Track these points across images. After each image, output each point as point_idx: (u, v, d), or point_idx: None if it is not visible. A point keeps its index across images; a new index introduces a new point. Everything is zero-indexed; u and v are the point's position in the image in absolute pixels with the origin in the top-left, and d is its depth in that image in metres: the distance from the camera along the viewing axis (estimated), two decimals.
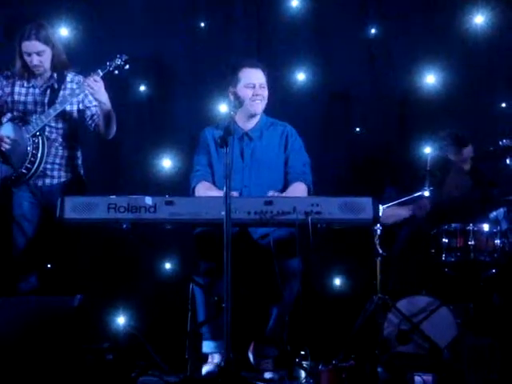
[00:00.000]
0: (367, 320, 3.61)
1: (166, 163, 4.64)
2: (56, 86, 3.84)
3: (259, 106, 3.72)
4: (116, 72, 3.77)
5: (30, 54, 3.75)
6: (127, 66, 3.79)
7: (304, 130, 3.98)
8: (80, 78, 3.88)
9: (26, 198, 3.80)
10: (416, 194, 3.96)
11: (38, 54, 3.74)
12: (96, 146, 4.35)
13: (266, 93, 3.75)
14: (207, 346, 3.50)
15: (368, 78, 4.69)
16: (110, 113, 3.79)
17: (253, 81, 3.71)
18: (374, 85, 4.67)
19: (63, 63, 3.86)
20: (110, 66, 3.75)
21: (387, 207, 3.89)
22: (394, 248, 4.10)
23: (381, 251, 3.71)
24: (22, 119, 3.76)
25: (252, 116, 3.77)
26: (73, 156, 3.91)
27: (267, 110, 3.85)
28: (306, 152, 3.83)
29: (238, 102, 3.62)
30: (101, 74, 3.72)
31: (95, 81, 3.67)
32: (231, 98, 3.72)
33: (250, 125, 3.80)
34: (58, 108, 3.75)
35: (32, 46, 3.72)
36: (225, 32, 4.72)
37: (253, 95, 3.69)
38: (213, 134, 3.80)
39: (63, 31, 4.48)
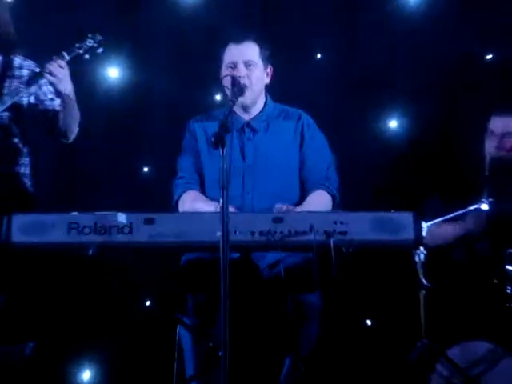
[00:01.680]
0: (409, 373, 3.62)
1: (144, 170, 4.66)
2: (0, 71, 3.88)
3: (243, 88, 3.65)
4: (86, 56, 3.80)
5: None
6: (101, 49, 3.83)
7: (322, 124, 4.00)
8: (30, 63, 3.91)
9: None
10: (471, 208, 3.95)
11: None
12: (52, 151, 4.38)
13: (255, 73, 3.72)
14: None
15: (405, 59, 4.75)
16: (73, 108, 3.82)
17: (234, 58, 3.70)
18: (412, 67, 4.73)
19: (9, 36, 3.88)
20: (80, 47, 3.78)
21: (432, 224, 3.90)
22: (443, 278, 4.11)
23: (425, 282, 3.71)
24: None
25: (248, 106, 3.77)
26: (18, 163, 3.92)
27: (276, 96, 3.88)
28: (329, 149, 3.83)
29: (238, 89, 3.63)
30: (67, 58, 3.74)
31: (60, 66, 3.70)
32: (224, 83, 3.73)
33: (251, 114, 3.80)
34: (7, 101, 3.76)
35: None
36: None
37: (233, 75, 3.67)
38: (203, 127, 3.82)
39: None
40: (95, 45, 3.81)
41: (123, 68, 4.75)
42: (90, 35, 3.81)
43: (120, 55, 4.73)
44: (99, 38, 3.81)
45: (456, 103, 4.69)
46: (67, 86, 3.74)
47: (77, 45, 3.78)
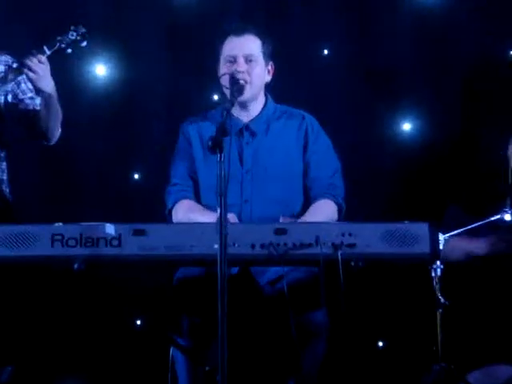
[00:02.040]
0: None
1: (134, 176, 4.63)
2: None
3: (242, 89, 3.65)
4: (69, 50, 3.77)
5: None
6: (85, 43, 3.79)
7: (329, 127, 3.97)
8: (8, 58, 3.88)
9: None
10: (493, 218, 3.91)
11: None
12: (33, 154, 4.36)
13: (256, 69, 3.70)
14: None
15: (421, 54, 4.73)
16: (55, 108, 3.78)
17: (234, 52, 3.69)
18: (428, 65, 4.72)
19: None
20: (62, 41, 3.74)
21: (450, 237, 3.86)
22: (462, 295, 4.06)
23: (442, 300, 3.68)
24: None
25: (246, 103, 3.74)
26: None
27: (277, 98, 3.85)
28: (335, 154, 3.82)
29: (237, 88, 3.60)
30: (48, 52, 3.70)
31: (40, 62, 3.65)
32: (223, 82, 3.71)
33: (250, 114, 3.78)
34: None
35: None
36: None
37: (231, 73, 3.66)
38: (198, 129, 3.80)
39: None
40: (78, 38, 3.77)
41: (111, 65, 4.76)
42: (72, 27, 3.77)
43: (108, 51, 4.74)
44: (82, 30, 3.77)
45: (477, 105, 4.67)
46: (48, 84, 3.69)
47: (58, 38, 3.74)
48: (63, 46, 3.74)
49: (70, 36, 3.76)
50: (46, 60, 3.67)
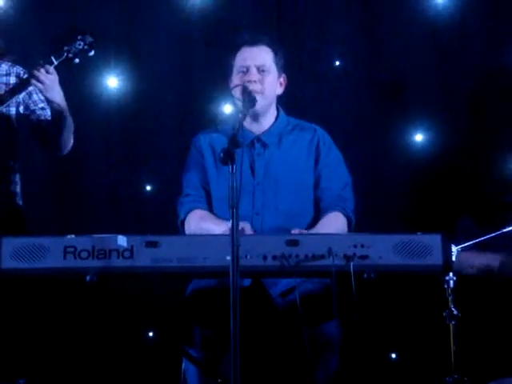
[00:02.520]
0: None
1: (147, 187, 4.62)
2: None
3: (254, 100, 3.62)
4: (77, 60, 3.77)
5: None
6: (92, 52, 3.80)
7: (342, 136, 3.98)
8: (19, 69, 3.90)
9: None
10: (507, 229, 3.91)
11: None
12: (44, 166, 4.35)
13: (269, 79, 3.70)
14: None
15: (432, 65, 4.72)
16: (65, 118, 3.79)
17: (246, 62, 3.70)
18: (440, 76, 4.72)
19: None
20: (69, 51, 3.75)
21: (463, 248, 3.84)
22: (476, 307, 4.04)
23: (455, 312, 3.66)
24: None
25: (258, 115, 3.74)
26: (8, 180, 3.90)
27: (288, 110, 3.85)
28: (346, 168, 3.81)
29: (249, 100, 3.59)
30: (55, 62, 3.72)
31: (48, 72, 3.66)
32: (235, 93, 3.71)
33: (261, 126, 3.79)
34: None
35: None
36: None
37: (244, 84, 3.65)
38: (210, 142, 3.80)
39: None
40: (86, 47, 3.77)
41: (123, 77, 4.74)
42: (79, 37, 3.77)
43: (120, 63, 4.72)
44: (90, 39, 3.77)
45: (489, 116, 4.66)
46: (57, 94, 3.70)
47: (65, 48, 3.75)
48: (70, 55, 3.75)
49: (77, 45, 3.76)
50: (54, 70, 3.68)
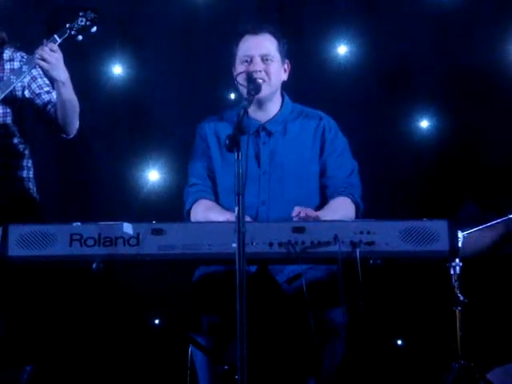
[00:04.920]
0: None
1: (152, 175, 4.65)
2: None
3: (259, 86, 3.63)
4: (80, 37, 3.77)
5: None
6: (95, 28, 3.79)
7: (346, 124, 3.97)
8: (23, 54, 3.89)
9: None
10: (511, 216, 3.89)
11: None
12: (50, 153, 4.35)
13: (273, 67, 3.70)
14: None
15: (438, 51, 4.71)
16: (71, 98, 3.77)
17: (250, 52, 3.69)
18: (446, 60, 4.70)
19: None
20: (71, 28, 3.74)
21: (469, 234, 3.84)
22: (482, 293, 4.04)
23: (462, 298, 3.65)
24: None
25: (263, 102, 3.74)
26: (20, 166, 3.90)
27: (293, 97, 3.84)
28: (352, 153, 3.81)
29: (254, 86, 3.59)
30: (59, 40, 3.71)
31: (52, 50, 3.65)
32: (239, 80, 3.70)
33: (266, 114, 3.78)
34: None
35: None
36: None
37: (248, 73, 3.66)
38: (215, 130, 3.81)
39: None
40: (88, 23, 3.76)
41: (128, 65, 4.73)
42: (81, 13, 3.76)
43: (124, 51, 4.71)
44: (92, 15, 3.76)
45: (495, 101, 4.65)
46: (61, 73, 3.69)
47: (68, 25, 3.75)
48: (73, 32, 3.74)
49: (79, 22, 3.75)
50: (58, 48, 3.66)
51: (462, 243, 3.58)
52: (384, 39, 4.70)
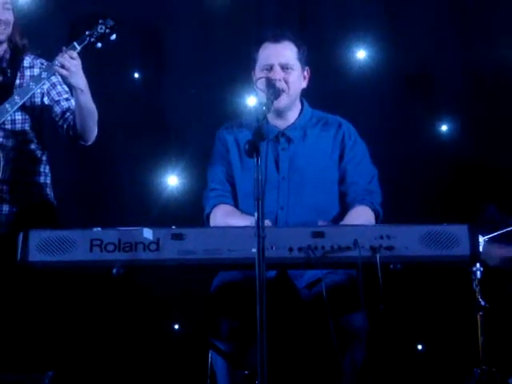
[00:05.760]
0: None
1: (172, 181, 4.65)
2: (9, 72, 3.85)
3: (278, 92, 3.63)
4: (99, 45, 3.77)
5: None
6: (114, 36, 3.79)
7: (365, 129, 3.95)
8: (42, 61, 3.90)
9: None
10: None
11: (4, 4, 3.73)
12: (70, 159, 4.36)
13: (293, 76, 3.69)
14: None
15: (457, 55, 4.70)
16: (89, 106, 3.77)
17: (270, 61, 3.69)
18: (466, 65, 4.69)
19: (21, 37, 3.86)
20: (91, 35, 3.75)
21: (489, 239, 3.82)
22: (503, 297, 4.02)
23: (483, 303, 3.65)
24: None
25: (282, 111, 3.74)
26: (38, 172, 3.91)
27: (312, 102, 3.84)
28: (371, 160, 3.80)
29: (274, 92, 3.59)
30: (78, 48, 3.71)
31: (71, 58, 3.65)
32: (259, 85, 3.70)
33: (286, 122, 3.78)
34: (18, 101, 3.73)
35: None
36: None
37: (268, 78, 3.65)
38: (234, 136, 3.81)
39: None
40: (107, 31, 3.76)
41: (148, 70, 4.73)
42: (100, 20, 3.76)
43: (145, 56, 4.72)
44: (111, 22, 3.76)
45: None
46: (80, 80, 3.69)
47: (87, 32, 3.75)
48: (93, 40, 3.74)
49: (98, 29, 3.75)
50: (77, 56, 3.66)
51: (484, 249, 3.57)
52: (403, 44, 4.69)
